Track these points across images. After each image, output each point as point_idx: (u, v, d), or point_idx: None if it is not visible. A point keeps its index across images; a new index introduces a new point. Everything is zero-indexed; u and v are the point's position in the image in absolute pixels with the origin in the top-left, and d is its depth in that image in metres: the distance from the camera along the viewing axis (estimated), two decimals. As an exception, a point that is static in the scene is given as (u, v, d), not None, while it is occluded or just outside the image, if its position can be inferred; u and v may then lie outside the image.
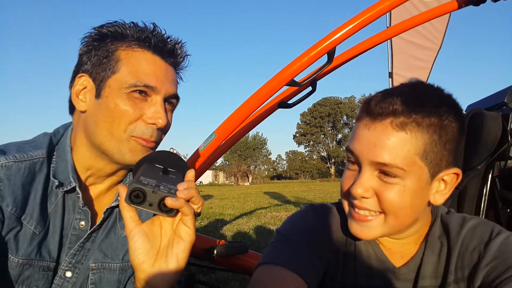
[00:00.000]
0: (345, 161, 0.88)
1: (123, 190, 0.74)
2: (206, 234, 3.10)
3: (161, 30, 0.96)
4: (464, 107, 0.83)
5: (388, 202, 0.78)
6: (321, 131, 71.84)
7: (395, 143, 0.75)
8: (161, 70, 0.94)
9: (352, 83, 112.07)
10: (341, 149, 68.48)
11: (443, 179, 0.81)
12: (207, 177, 56.09)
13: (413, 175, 0.77)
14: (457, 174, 0.81)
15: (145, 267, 0.75)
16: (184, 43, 1.00)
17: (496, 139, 1.63)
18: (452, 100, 0.81)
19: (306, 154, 74.78)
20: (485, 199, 1.75)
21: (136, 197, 0.72)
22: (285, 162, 78.12)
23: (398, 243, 0.88)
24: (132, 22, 0.95)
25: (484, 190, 1.75)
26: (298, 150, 76.26)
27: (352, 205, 0.83)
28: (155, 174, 0.78)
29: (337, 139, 71.72)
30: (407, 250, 0.88)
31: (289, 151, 77.94)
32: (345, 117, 70.51)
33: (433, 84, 0.83)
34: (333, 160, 69.69)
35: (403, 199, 0.78)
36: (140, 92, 0.90)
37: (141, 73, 0.90)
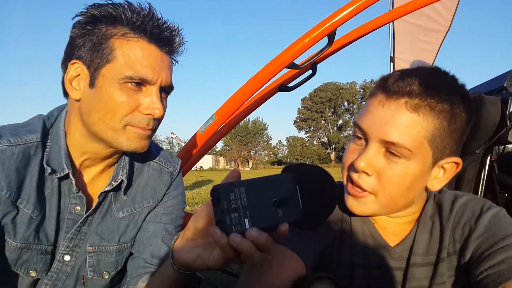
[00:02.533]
0: (345, 147, 0.88)
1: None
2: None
3: (157, 14, 0.91)
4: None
5: (388, 181, 0.79)
6: (321, 116, 71.74)
7: (407, 123, 0.76)
8: (157, 60, 0.90)
9: (353, 69, 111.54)
10: (342, 135, 68.53)
11: (443, 167, 0.83)
12: (207, 162, 56.20)
13: (418, 158, 0.78)
14: (457, 164, 0.82)
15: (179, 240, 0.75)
16: (181, 29, 0.96)
17: (495, 123, 1.64)
18: (465, 90, 0.82)
19: (307, 139, 74.82)
20: (482, 183, 1.76)
21: (213, 197, 0.59)
22: (285, 147, 78.24)
23: (393, 222, 0.90)
24: (126, 2, 0.90)
25: (482, 175, 1.77)
26: (299, 136, 76.36)
27: (350, 179, 0.84)
28: (264, 197, 0.60)
29: (338, 125, 71.66)
30: (402, 229, 0.90)
31: (290, 136, 78.03)
32: (346, 102, 70.26)
33: (448, 72, 0.83)
34: (333, 146, 69.76)
35: (404, 180, 0.79)
36: (136, 83, 0.88)
37: (137, 64, 0.87)
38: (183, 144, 1.49)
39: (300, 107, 74.71)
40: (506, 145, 1.83)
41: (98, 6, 0.89)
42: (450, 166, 0.83)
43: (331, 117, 71.57)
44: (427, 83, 0.77)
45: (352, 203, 0.85)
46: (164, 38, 0.92)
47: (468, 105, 0.81)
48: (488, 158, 1.75)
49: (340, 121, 71.49)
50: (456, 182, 1.78)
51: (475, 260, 0.77)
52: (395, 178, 0.79)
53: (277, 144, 78.68)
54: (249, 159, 66.81)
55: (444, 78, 0.81)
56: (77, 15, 0.90)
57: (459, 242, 0.82)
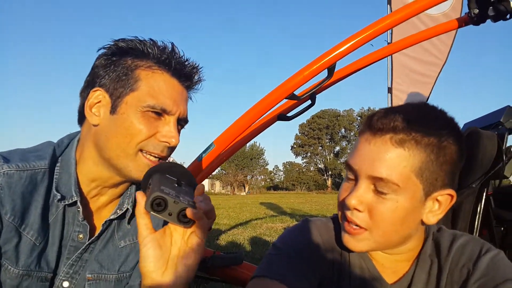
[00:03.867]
0: (342, 174, 0.89)
1: (141, 197, 0.75)
2: (201, 243, 3.08)
3: (179, 51, 0.99)
4: (460, 125, 0.86)
5: (379, 217, 0.79)
6: (319, 143, 71.84)
7: (393, 158, 0.77)
8: (177, 93, 0.97)
9: (351, 96, 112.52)
10: (339, 162, 68.43)
11: (437, 199, 0.82)
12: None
13: (407, 191, 0.78)
14: (452, 196, 0.82)
15: (154, 276, 0.75)
16: (201, 68, 1.03)
17: (491, 158, 1.65)
18: (454, 124, 0.83)
19: (303, 165, 74.67)
20: (479, 217, 1.76)
21: (157, 205, 0.72)
22: (282, 173, 77.91)
23: (391, 258, 0.89)
24: (151, 40, 0.97)
25: (479, 208, 1.77)
26: (296, 162, 76.16)
27: (345, 217, 0.85)
28: (171, 185, 0.78)
29: (335, 151, 71.62)
30: (400, 267, 0.89)
31: (286, 162, 77.65)
32: (343, 129, 70.49)
33: (436, 106, 0.85)
34: (330, 172, 69.50)
35: (395, 214, 0.79)
36: (156, 113, 0.93)
37: (160, 95, 0.93)
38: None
39: (298, 133, 74.97)
40: (503, 179, 1.84)
41: (125, 40, 0.96)
42: (444, 199, 0.82)
43: (328, 143, 71.67)
44: (412, 118, 0.78)
45: (348, 240, 0.85)
46: (186, 74, 0.99)
47: (458, 137, 0.81)
48: (485, 192, 1.76)
49: (337, 148, 71.56)
50: (453, 216, 1.78)
51: None
52: (386, 214, 0.79)
53: (273, 169, 78.53)
54: (245, 184, 66.46)
55: (431, 112, 0.82)
56: (103, 47, 0.96)
57: (457, 285, 0.82)
